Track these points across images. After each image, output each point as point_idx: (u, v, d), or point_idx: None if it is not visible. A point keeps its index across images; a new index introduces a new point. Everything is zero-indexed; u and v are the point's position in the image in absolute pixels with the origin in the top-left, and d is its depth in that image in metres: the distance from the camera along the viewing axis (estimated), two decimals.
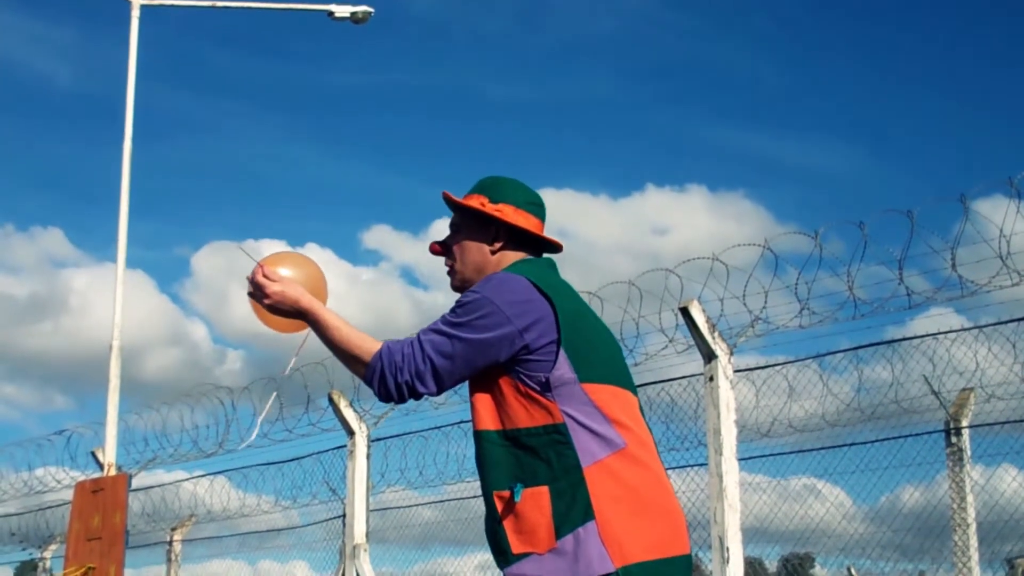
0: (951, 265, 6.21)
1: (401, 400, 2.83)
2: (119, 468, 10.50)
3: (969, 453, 6.97)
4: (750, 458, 7.52)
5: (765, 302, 6.72)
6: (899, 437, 7.14)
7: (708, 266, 6.85)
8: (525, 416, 2.73)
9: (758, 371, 7.42)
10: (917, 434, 7.13)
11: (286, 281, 2.95)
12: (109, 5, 12.54)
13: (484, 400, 2.81)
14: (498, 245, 2.97)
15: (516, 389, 2.75)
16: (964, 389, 6.99)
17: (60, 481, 11.65)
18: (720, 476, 6.47)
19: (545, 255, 3.07)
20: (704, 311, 6.72)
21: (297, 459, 9.95)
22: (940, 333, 6.82)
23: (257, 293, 2.96)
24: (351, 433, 8.90)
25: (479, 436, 2.81)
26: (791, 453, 7.62)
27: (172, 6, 12.74)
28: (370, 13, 12.61)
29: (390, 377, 2.78)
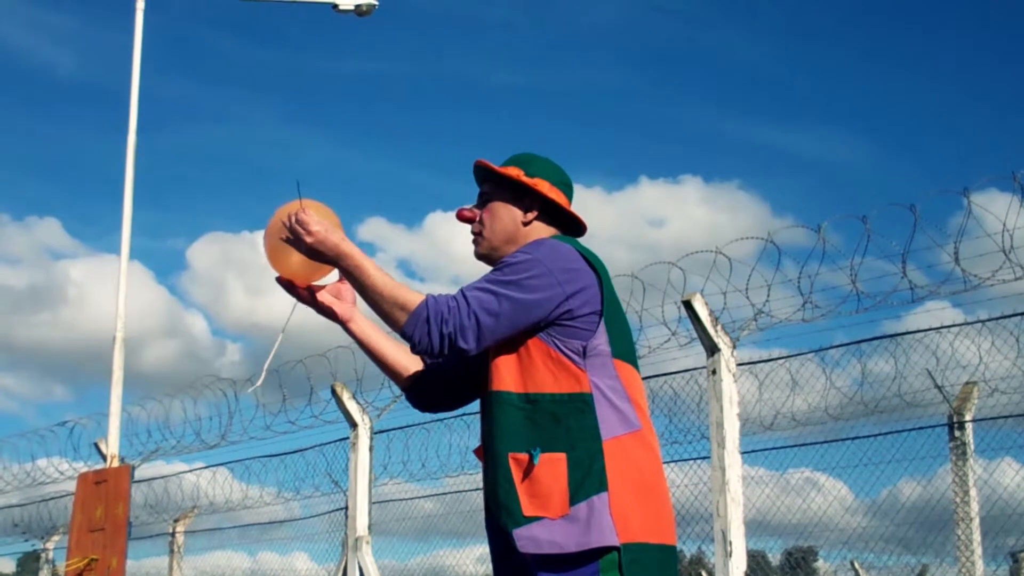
0: (954, 259, 6.20)
1: (439, 353, 2.74)
2: (122, 459, 10.52)
3: (972, 447, 6.97)
4: (752, 451, 7.52)
5: (768, 295, 6.71)
6: (902, 431, 7.14)
7: (709, 259, 6.84)
8: (551, 382, 2.74)
9: (761, 364, 7.42)
10: (920, 428, 7.13)
11: (327, 224, 2.85)
12: None
13: (508, 361, 2.79)
14: (531, 216, 2.98)
15: (548, 354, 2.75)
16: (967, 383, 6.98)
17: (63, 472, 11.67)
18: (723, 469, 6.47)
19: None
20: (707, 304, 6.71)
21: (300, 451, 9.96)
22: (943, 327, 6.81)
23: (297, 231, 2.82)
24: (354, 425, 8.90)
25: (497, 396, 2.78)
26: (793, 447, 7.63)
27: None
28: (374, 6, 12.59)
29: (435, 327, 2.71)
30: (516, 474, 2.71)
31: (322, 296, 3.02)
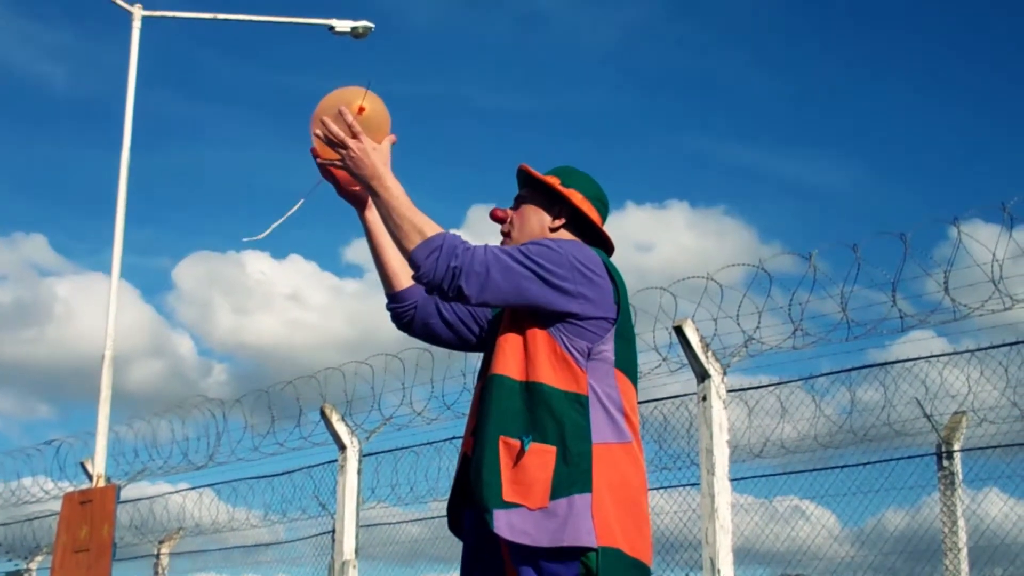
0: (943, 288, 6.23)
1: (439, 285, 2.72)
2: (108, 479, 10.46)
3: (961, 477, 6.97)
4: (740, 479, 7.52)
5: (759, 322, 6.73)
6: (890, 460, 7.15)
7: (700, 285, 6.86)
8: (552, 376, 2.75)
9: (751, 391, 7.43)
10: (909, 457, 7.13)
11: (370, 144, 2.81)
12: (108, 12, 12.50)
13: (514, 348, 2.80)
14: (559, 223, 3.03)
15: (553, 349, 2.77)
16: (956, 412, 6.99)
17: (48, 491, 11.61)
18: (712, 496, 6.46)
19: None
20: (698, 331, 6.72)
21: (287, 473, 9.92)
22: (933, 356, 6.84)
23: (338, 139, 2.79)
24: (342, 447, 8.87)
25: (497, 379, 2.79)
26: (781, 475, 7.62)
27: (173, 18, 12.76)
28: (370, 28, 12.64)
29: (444, 258, 2.70)
30: (504, 458, 2.71)
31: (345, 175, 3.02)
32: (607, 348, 2.81)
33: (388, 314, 3.20)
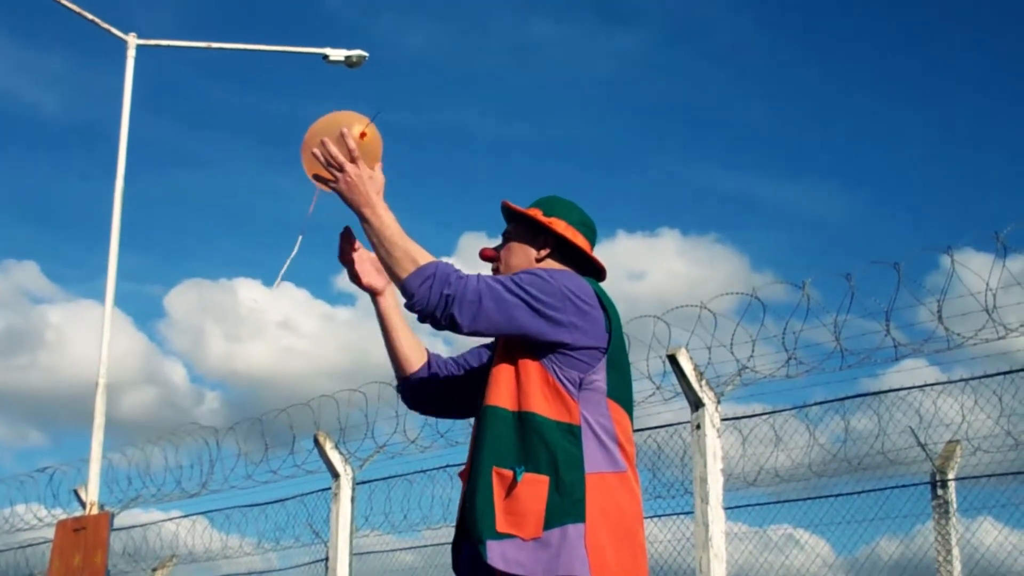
0: (937, 318, 6.25)
1: (433, 313, 2.72)
2: (101, 507, 10.42)
3: (955, 506, 6.97)
4: (734, 507, 7.50)
5: (752, 351, 6.74)
6: (884, 489, 7.14)
7: (693, 313, 6.88)
8: (544, 406, 2.75)
9: (745, 420, 7.43)
10: (903, 486, 7.13)
11: (370, 175, 2.82)
12: (103, 40, 12.55)
13: (507, 379, 2.80)
14: (544, 253, 3.04)
15: (545, 379, 2.77)
16: (950, 441, 6.99)
17: (41, 519, 11.57)
18: (706, 525, 6.45)
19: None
20: (692, 359, 6.73)
21: (281, 501, 9.89)
22: (927, 385, 6.85)
23: (335, 169, 2.80)
24: (336, 475, 8.85)
25: (491, 410, 2.79)
26: (775, 503, 7.61)
27: (168, 46, 12.81)
28: (364, 57, 12.69)
29: (437, 286, 2.70)
30: (497, 489, 2.71)
31: (360, 264, 3.07)
32: (599, 377, 2.81)
33: (400, 394, 3.22)
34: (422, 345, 3.18)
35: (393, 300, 3.12)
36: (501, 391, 2.80)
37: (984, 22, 23.56)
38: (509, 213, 3.12)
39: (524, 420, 2.75)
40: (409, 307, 2.77)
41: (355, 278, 3.10)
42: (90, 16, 11.95)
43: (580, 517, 2.67)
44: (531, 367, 2.79)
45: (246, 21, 27.07)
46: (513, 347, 2.83)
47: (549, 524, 2.65)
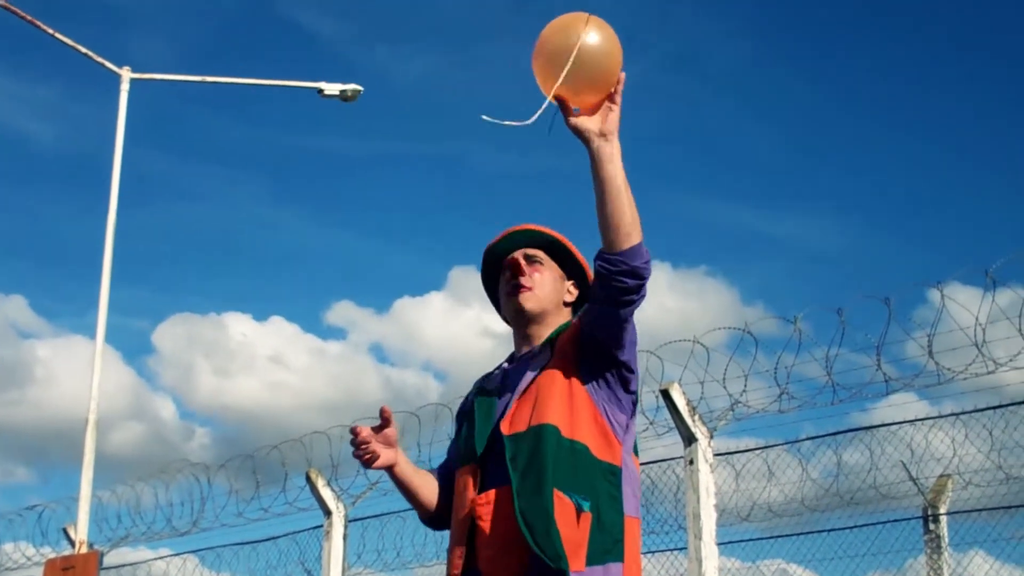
0: (928, 352, 6.28)
1: (627, 287, 2.66)
2: (91, 545, 10.35)
3: (947, 540, 6.97)
4: (729, 543, 7.49)
5: (745, 386, 6.76)
6: (876, 523, 7.15)
7: (685, 348, 6.90)
8: (593, 442, 2.75)
9: (737, 455, 7.43)
10: (895, 520, 7.14)
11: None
12: (97, 73, 12.58)
13: (560, 403, 2.75)
14: (571, 298, 3.04)
15: (594, 417, 2.77)
16: (942, 475, 7.01)
17: (29, 557, 11.46)
18: (699, 561, 6.44)
19: None
20: (685, 394, 6.74)
21: (272, 539, 9.82)
22: (918, 419, 6.87)
23: (618, 101, 2.66)
24: (328, 513, 8.82)
25: (551, 430, 2.71)
26: (767, 539, 7.61)
27: (162, 80, 12.85)
28: (359, 91, 12.73)
29: (648, 271, 2.69)
30: (559, 513, 2.64)
31: (374, 445, 2.99)
32: (633, 424, 2.86)
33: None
34: (430, 475, 3.13)
35: (405, 461, 3.06)
36: (556, 413, 2.74)
37: (974, 57, 23.80)
38: (551, 243, 3.03)
39: (575, 451, 2.72)
40: (623, 270, 2.65)
41: (371, 463, 3.00)
42: (84, 50, 11.99)
43: (620, 557, 2.69)
44: (583, 399, 2.78)
45: (240, 55, 27.23)
46: (566, 372, 2.80)
47: (592, 561, 2.64)
